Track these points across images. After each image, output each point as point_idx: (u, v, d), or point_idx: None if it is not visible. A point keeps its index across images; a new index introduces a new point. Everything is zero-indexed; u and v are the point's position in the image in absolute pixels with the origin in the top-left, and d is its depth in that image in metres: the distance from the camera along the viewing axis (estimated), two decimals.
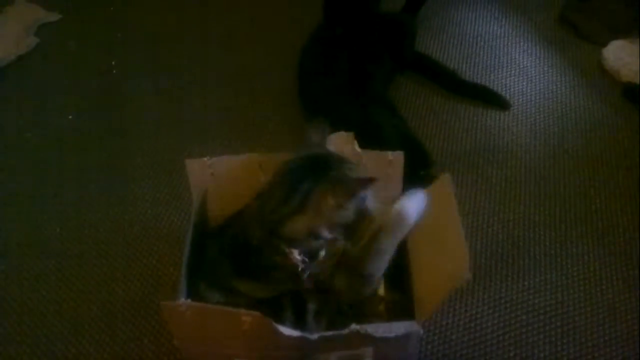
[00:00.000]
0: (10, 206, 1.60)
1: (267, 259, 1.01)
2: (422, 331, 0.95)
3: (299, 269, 1.00)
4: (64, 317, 1.33)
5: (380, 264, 1.04)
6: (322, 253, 1.03)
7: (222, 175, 1.15)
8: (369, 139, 1.21)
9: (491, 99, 1.84)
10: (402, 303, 1.10)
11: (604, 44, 1.96)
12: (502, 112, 1.80)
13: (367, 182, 0.98)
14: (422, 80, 1.90)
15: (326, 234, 0.99)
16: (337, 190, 0.96)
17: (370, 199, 1.04)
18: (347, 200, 0.96)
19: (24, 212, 1.58)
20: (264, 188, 1.05)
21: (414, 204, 1.05)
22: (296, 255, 1.00)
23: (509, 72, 1.94)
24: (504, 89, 1.87)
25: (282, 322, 0.90)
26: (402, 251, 1.13)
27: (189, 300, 0.90)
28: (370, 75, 1.76)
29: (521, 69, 1.95)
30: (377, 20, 1.93)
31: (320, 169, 1.00)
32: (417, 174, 1.42)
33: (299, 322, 1.00)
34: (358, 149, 1.16)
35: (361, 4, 1.93)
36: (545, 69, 1.95)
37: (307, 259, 1.01)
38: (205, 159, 1.12)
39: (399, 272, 1.13)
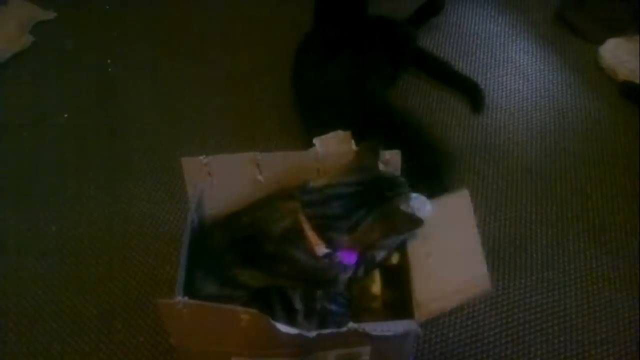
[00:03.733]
0: (7, 205, 1.59)
1: (283, 251, 1.01)
2: (420, 330, 0.95)
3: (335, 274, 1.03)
4: (60, 316, 1.33)
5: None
6: None
7: (218, 174, 1.14)
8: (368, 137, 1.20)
9: (471, 95, 1.83)
10: (398, 301, 1.10)
11: (601, 42, 1.96)
12: (498, 110, 1.80)
13: (418, 223, 0.99)
14: (419, 78, 1.90)
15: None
16: (387, 224, 0.98)
17: None
18: (392, 236, 1.00)
19: (20, 211, 1.57)
20: (308, 191, 1.02)
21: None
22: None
23: (505, 71, 1.94)
24: (501, 87, 1.87)
25: (276, 321, 0.90)
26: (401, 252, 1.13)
27: (186, 298, 0.89)
28: (367, 77, 1.75)
29: (518, 67, 1.95)
30: (376, 24, 1.91)
31: (374, 198, 0.99)
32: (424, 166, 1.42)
33: (289, 321, 1.00)
34: (355, 148, 1.16)
35: (353, 7, 1.92)
36: (542, 67, 1.95)
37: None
38: (201, 157, 1.12)
39: (397, 271, 1.13)
